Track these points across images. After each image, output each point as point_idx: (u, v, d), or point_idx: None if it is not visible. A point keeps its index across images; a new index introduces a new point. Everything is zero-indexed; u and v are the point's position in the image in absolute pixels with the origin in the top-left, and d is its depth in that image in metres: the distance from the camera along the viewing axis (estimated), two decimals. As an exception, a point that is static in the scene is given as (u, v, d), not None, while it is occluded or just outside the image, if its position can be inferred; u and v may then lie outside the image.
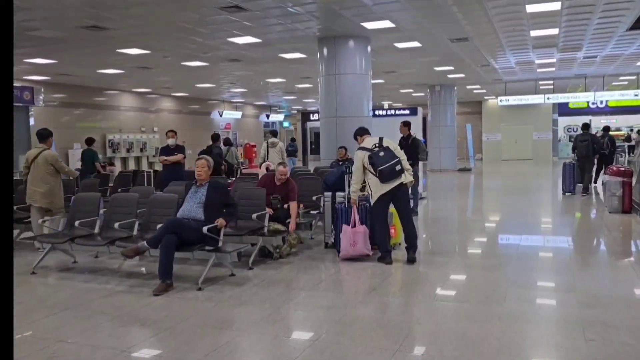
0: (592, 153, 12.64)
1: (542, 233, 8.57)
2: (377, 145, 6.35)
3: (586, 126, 13.47)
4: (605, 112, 29.53)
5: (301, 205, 7.26)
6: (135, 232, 6.05)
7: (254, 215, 6.17)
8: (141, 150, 21.68)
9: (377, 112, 12.94)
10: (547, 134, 29.49)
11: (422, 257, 6.58)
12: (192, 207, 5.61)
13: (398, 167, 6.18)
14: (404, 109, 12.73)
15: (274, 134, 13.22)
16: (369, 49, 11.67)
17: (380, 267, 6.07)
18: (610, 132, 15.08)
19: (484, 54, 14.24)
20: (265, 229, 6.33)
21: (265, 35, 11.04)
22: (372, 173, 6.17)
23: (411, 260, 6.27)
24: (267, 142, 12.66)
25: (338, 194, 7.00)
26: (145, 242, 5.35)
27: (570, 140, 31.81)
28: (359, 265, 6.20)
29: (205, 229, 5.31)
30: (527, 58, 15.53)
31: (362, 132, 6.74)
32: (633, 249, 7.48)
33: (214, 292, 5.20)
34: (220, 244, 5.52)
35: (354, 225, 6.40)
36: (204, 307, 4.79)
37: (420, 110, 12.62)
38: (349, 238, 6.33)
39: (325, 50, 11.50)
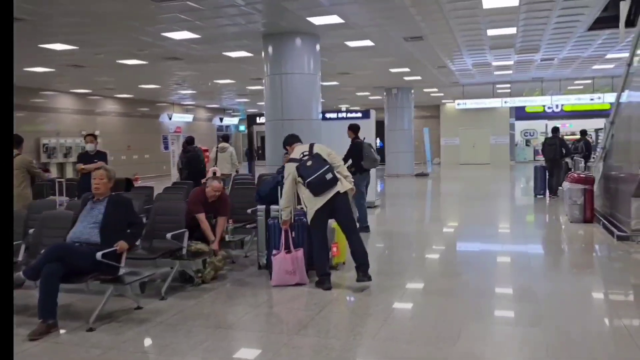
0: (559, 156, 12.57)
1: (501, 247, 7.87)
2: (305, 153, 5.51)
3: (555, 130, 13.26)
4: (560, 116, 29.63)
5: (230, 221, 6.33)
6: (20, 258, 4.99)
7: (169, 235, 5.19)
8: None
9: (327, 115, 12.13)
10: (504, 137, 29.39)
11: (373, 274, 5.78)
12: (86, 228, 4.59)
13: (329, 176, 5.33)
14: (356, 111, 11.93)
15: (225, 138, 12.46)
16: (317, 47, 10.85)
17: (318, 295, 5.19)
18: (565, 137, 14.94)
19: (440, 54, 13.63)
20: (185, 250, 5.37)
21: (204, 30, 10.07)
22: (304, 186, 5.31)
23: (361, 281, 5.41)
24: (217, 147, 11.94)
25: (272, 207, 6.11)
26: (22, 272, 4.32)
27: (526, 144, 31.96)
28: (292, 292, 5.31)
29: (99, 254, 4.32)
30: (484, 59, 15.02)
31: (291, 140, 5.95)
32: (599, 267, 6.84)
33: (108, 333, 4.21)
34: (121, 271, 4.54)
35: (288, 249, 5.51)
36: (90, 356, 3.81)
37: (373, 113, 11.85)
38: (281, 265, 5.44)
39: (270, 48, 10.61)
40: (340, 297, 5.20)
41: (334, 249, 5.99)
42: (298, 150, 5.58)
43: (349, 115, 12.08)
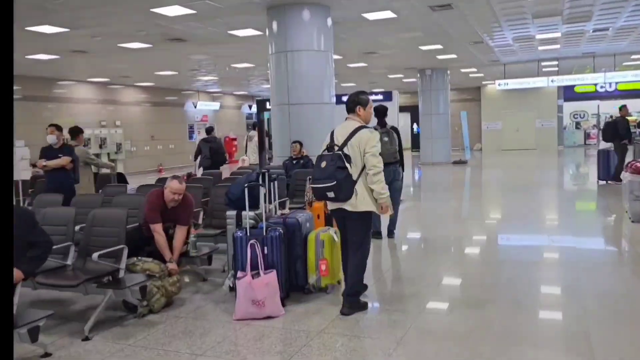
0: (615, 139, 11.49)
1: (545, 258, 6.38)
2: (328, 146, 4.45)
3: (621, 109, 12.11)
4: (614, 96, 27.16)
5: (192, 231, 5.11)
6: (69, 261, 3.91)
7: (95, 255, 4.01)
8: (100, 147, 19.53)
9: (345, 99, 10.76)
10: (551, 121, 27.16)
11: (373, 301, 4.50)
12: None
13: (331, 194, 4.26)
14: (377, 93, 10.55)
15: (254, 126, 12.00)
16: (329, 20, 9.48)
17: (293, 332, 3.92)
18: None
19: (475, 27, 11.98)
20: (122, 273, 4.18)
21: (197, 4, 8.86)
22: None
23: (342, 313, 4.23)
24: (247, 136, 11.13)
25: (244, 213, 4.84)
26: None
27: (576, 127, 29.58)
28: (260, 328, 4.05)
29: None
30: (527, 32, 13.25)
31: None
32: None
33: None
34: (14, 309, 3.39)
35: (256, 271, 4.25)
36: None
37: (396, 94, 10.45)
38: (246, 292, 4.18)
39: (274, 23, 9.32)
40: (326, 336, 3.91)
41: (322, 267, 4.69)
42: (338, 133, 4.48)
43: (371, 97, 10.62)
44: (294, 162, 8.99)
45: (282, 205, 5.80)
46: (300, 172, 8.21)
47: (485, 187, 14.36)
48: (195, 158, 12.07)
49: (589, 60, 18.97)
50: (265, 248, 4.42)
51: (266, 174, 5.08)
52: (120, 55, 13.55)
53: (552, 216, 9.14)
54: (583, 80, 19.53)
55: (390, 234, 7.24)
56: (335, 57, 15.83)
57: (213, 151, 11.62)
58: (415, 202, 11.44)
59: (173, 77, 19.24)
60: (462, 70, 20.92)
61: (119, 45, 12.25)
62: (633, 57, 19.00)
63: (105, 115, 20.42)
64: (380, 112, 7.17)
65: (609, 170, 11.79)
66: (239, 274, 4.35)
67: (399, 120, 10.54)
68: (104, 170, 9.62)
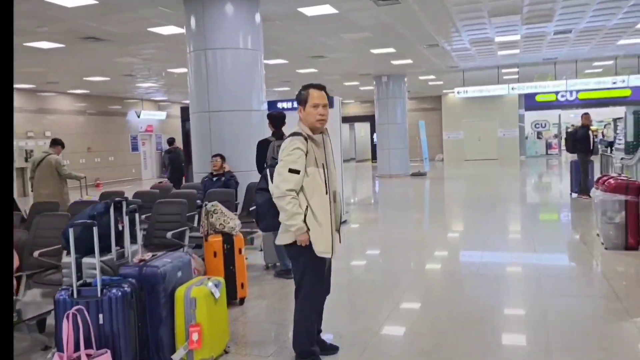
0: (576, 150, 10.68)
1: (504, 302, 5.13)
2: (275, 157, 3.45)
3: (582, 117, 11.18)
4: (575, 105, 26.58)
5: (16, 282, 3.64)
6: None
7: None
8: (26, 159, 17.67)
9: (281, 105, 9.44)
10: (513, 130, 26.46)
11: None
12: None
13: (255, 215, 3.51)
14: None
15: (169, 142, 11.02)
16: (257, 15, 8.16)
17: None
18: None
19: (427, 26, 10.84)
20: None
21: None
22: None
23: None
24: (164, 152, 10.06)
25: (86, 261, 3.41)
26: None
27: (538, 137, 29.01)
28: None
29: None
30: (485, 34, 12.20)
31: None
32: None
33: None
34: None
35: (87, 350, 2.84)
36: None
37: (337, 101, 9.12)
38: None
39: (192, 17, 7.95)
40: None
41: (193, 336, 3.29)
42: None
43: (307, 104, 9.33)
44: (214, 179, 7.57)
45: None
46: (215, 192, 6.81)
47: (443, 203, 13.18)
48: (164, 171, 12.62)
49: (550, 68, 18.20)
50: (101, 316, 3.00)
51: (123, 203, 3.65)
52: (31, 56, 11.91)
53: (516, 244, 7.94)
54: (544, 88, 18.72)
55: None
56: (281, 61, 14.63)
57: (172, 164, 11.83)
58: (360, 222, 10.15)
59: (107, 84, 17.58)
60: (421, 77, 19.91)
61: (24, 44, 10.65)
62: (595, 64, 18.31)
63: (32, 126, 18.57)
64: (277, 120, 5.85)
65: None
66: (56, 357, 2.92)
67: (341, 131, 9.19)
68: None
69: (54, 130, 19.09)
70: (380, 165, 19.32)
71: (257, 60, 8.20)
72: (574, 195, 11.12)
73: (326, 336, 3.73)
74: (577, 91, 24.92)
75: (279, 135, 5.68)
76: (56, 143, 8.47)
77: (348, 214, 9.52)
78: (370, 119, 26.19)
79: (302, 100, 3.36)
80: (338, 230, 3.48)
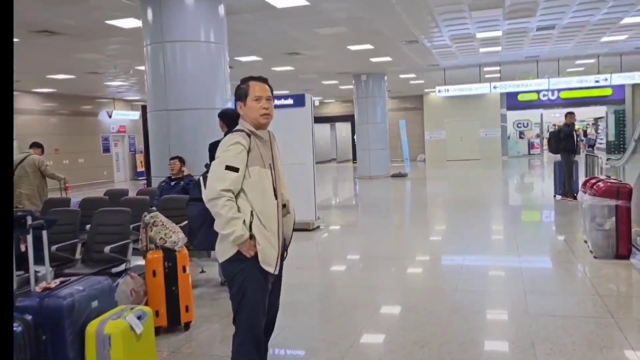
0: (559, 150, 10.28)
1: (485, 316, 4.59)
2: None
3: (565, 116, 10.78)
4: (557, 104, 26.50)
5: None
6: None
7: None
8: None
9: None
10: (495, 130, 26.13)
11: None
12: None
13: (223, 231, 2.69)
14: (286, 97, 8.68)
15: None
16: (221, 8, 7.57)
17: None
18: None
19: (405, 20, 10.30)
20: None
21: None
22: None
23: None
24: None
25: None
26: None
27: (520, 137, 28.75)
28: None
29: None
30: (465, 30, 11.71)
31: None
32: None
33: None
34: None
35: None
36: None
37: (309, 98, 8.53)
38: None
39: (149, 8, 7.32)
40: None
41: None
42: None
43: (277, 102, 8.72)
44: (172, 183, 6.92)
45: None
46: (170, 198, 6.18)
47: (423, 207, 12.65)
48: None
49: (532, 66, 17.80)
50: None
51: (28, 218, 3.02)
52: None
53: (500, 252, 7.42)
54: (527, 87, 18.33)
55: None
56: (254, 58, 14.00)
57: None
58: (335, 227, 9.58)
59: (74, 83, 16.76)
60: (401, 76, 19.40)
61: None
62: (577, 62, 17.97)
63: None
64: (231, 119, 5.22)
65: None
66: None
67: (313, 131, 8.61)
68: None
69: (18, 131, 18.17)
70: (360, 167, 18.78)
71: (221, 55, 7.59)
72: (558, 197, 10.69)
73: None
74: (559, 90, 24.78)
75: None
76: (37, 145, 8.68)
77: (321, 220, 8.93)
78: (351, 118, 25.58)
79: (241, 94, 2.83)
80: (286, 247, 2.92)
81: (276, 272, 2.74)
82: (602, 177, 6.68)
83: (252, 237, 2.62)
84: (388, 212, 11.45)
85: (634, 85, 24.92)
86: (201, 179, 2.78)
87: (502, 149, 26.19)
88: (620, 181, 5.98)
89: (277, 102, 8.69)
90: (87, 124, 21.41)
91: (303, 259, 6.61)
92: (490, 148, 25.88)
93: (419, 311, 4.56)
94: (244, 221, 2.60)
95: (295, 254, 6.84)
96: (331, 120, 30.59)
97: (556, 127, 14.12)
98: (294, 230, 2.99)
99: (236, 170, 2.61)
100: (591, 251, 6.07)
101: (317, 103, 28.82)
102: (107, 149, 22.30)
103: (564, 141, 10.17)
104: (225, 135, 5.04)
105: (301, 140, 8.55)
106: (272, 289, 2.86)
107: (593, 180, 6.31)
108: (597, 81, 17.13)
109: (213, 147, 5.21)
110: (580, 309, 4.44)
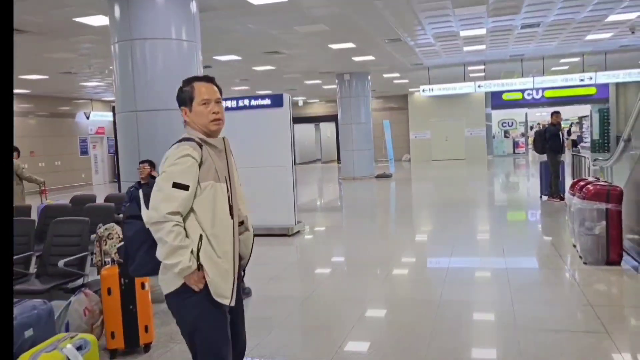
0: (546, 150, 10.08)
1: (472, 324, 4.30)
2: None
3: (551, 115, 10.53)
4: (542, 103, 26.46)
5: None
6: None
7: None
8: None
9: (224, 103, 8.46)
10: (480, 129, 25.99)
11: None
12: None
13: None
14: (263, 97, 8.34)
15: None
16: (193, 4, 7.20)
17: None
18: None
19: (387, 17, 10.00)
20: None
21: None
22: None
23: None
24: None
25: None
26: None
27: (505, 136, 28.66)
28: None
29: None
30: (449, 28, 11.45)
31: None
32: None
33: None
34: None
35: None
36: None
37: (286, 98, 8.19)
38: None
39: (116, 4, 6.92)
40: None
41: None
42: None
43: (254, 102, 8.37)
44: (141, 189, 6.52)
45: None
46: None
47: (407, 209, 12.37)
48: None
49: (517, 65, 17.64)
50: None
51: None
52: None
53: (486, 256, 7.14)
54: (511, 86, 18.15)
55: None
56: (234, 57, 13.61)
57: None
58: (316, 231, 9.26)
59: (48, 83, 16.24)
60: (385, 75, 19.13)
61: None
62: (562, 61, 17.83)
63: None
64: None
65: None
66: None
67: (292, 132, 8.27)
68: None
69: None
70: (343, 167, 18.47)
71: (194, 53, 7.21)
72: (544, 197, 10.48)
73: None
74: (544, 89, 24.71)
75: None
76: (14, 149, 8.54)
77: (301, 224, 8.60)
78: (336, 118, 25.23)
79: (185, 99, 2.43)
80: (243, 267, 2.58)
81: (232, 304, 2.37)
82: (591, 178, 6.42)
83: (200, 266, 2.26)
84: (371, 214, 11.15)
85: (618, 84, 24.96)
86: (140, 193, 2.40)
87: (487, 149, 26.07)
88: (610, 183, 5.72)
89: (254, 102, 8.37)
90: (64, 126, 20.85)
91: (280, 268, 6.27)
92: (476, 147, 25.75)
93: (402, 325, 4.26)
94: (192, 250, 2.24)
95: (272, 262, 6.55)
96: (315, 120, 30.28)
97: (541, 127, 13.95)
98: (253, 242, 2.62)
99: (186, 188, 2.24)
100: (580, 256, 5.81)
101: (300, 103, 28.48)
102: (85, 151, 21.76)
103: (549, 141, 9.95)
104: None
105: (280, 142, 8.22)
106: (233, 318, 2.49)
107: (582, 182, 6.05)
108: (581, 80, 17.00)
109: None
110: (571, 322, 4.16)
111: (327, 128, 30.39)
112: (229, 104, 8.42)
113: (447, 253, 6.65)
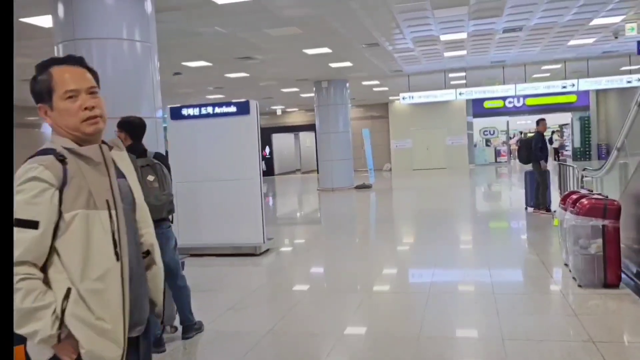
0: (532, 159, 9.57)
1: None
2: None
3: (536, 123, 10.03)
4: (523, 111, 26.21)
5: None
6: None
7: None
8: None
9: (185, 112, 7.73)
10: (461, 138, 25.60)
11: None
12: None
13: None
14: (228, 104, 7.67)
15: None
16: (148, 1, 6.54)
17: None
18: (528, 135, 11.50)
19: (362, 19, 9.44)
20: None
21: None
22: None
23: None
24: None
25: None
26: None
27: (486, 145, 28.33)
28: None
29: None
30: (428, 31, 10.93)
31: None
32: None
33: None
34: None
35: None
36: None
37: (253, 105, 7.53)
38: None
39: (59, 0, 6.25)
40: None
41: None
42: None
43: (218, 110, 7.69)
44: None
45: None
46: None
47: (386, 223, 11.74)
48: None
49: (498, 72, 17.25)
50: None
51: None
52: None
53: (470, 277, 6.53)
54: (493, 93, 17.77)
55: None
56: (204, 64, 12.94)
57: None
58: (287, 249, 8.60)
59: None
60: (364, 82, 18.61)
61: None
62: (543, 67, 17.48)
63: None
64: (134, 129, 4.27)
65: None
66: None
67: (260, 142, 7.61)
68: None
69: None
70: (322, 178, 17.82)
71: (149, 56, 6.53)
72: (530, 209, 9.97)
73: None
74: (525, 97, 24.45)
75: (137, 151, 4.06)
76: None
77: (271, 241, 7.92)
78: (315, 128, 24.87)
79: (42, 92, 1.73)
80: (160, 314, 1.92)
81: None
82: (583, 191, 5.87)
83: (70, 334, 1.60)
84: (348, 229, 10.49)
85: (598, 92, 24.81)
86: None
87: (468, 157, 25.68)
88: (607, 197, 5.16)
89: (218, 109, 7.70)
90: (29, 137, 19.90)
91: (241, 295, 5.57)
92: (457, 156, 25.34)
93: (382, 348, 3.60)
94: (55, 309, 1.58)
95: (232, 288, 5.85)
96: (295, 129, 29.68)
97: (524, 135, 13.49)
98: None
99: (34, 225, 1.58)
100: (574, 278, 5.24)
101: (279, 112, 27.86)
102: (53, 163, 20.81)
103: (536, 150, 9.45)
104: (128, 149, 4.03)
105: (246, 153, 7.55)
106: None
107: (574, 196, 5.48)
108: (564, 87, 16.65)
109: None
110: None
111: (307, 138, 29.80)
112: (190, 111, 7.73)
113: (428, 276, 6.03)
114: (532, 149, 9.55)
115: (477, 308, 4.86)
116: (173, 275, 4.11)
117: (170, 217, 4.06)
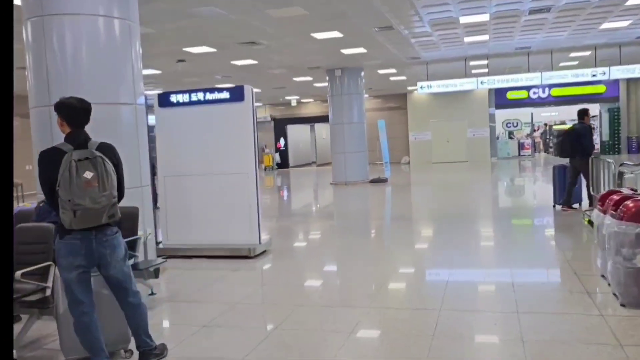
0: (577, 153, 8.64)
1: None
2: None
3: (581, 114, 8.99)
4: (548, 102, 25.03)
5: None
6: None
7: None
8: None
9: (174, 99, 7.00)
10: (483, 130, 24.52)
11: None
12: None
13: None
14: (220, 89, 6.95)
15: None
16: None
17: None
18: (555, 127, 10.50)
19: (375, 2, 8.60)
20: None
21: None
22: None
23: None
24: None
25: None
26: None
27: (509, 137, 27.20)
28: None
29: None
30: (447, 13, 10.04)
31: None
32: None
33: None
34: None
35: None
36: None
37: (248, 90, 6.77)
38: None
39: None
40: None
41: None
42: None
43: (209, 96, 6.94)
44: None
45: None
46: (31, 227, 4.40)
47: (400, 222, 10.87)
48: None
49: (523, 59, 16.22)
50: None
51: None
52: None
53: (494, 293, 5.69)
54: (517, 82, 16.70)
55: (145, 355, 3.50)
56: (207, 50, 12.20)
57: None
58: (277, 257, 7.85)
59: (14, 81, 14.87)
60: (380, 71, 17.70)
61: None
62: (571, 55, 16.37)
63: None
64: (75, 115, 3.53)
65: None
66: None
67: (256, 131, 6.85)
68: None
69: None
70: (335, 171, 17.02)
71: (129, 34, 5.84)
72: (558, 207, 9.08)
73: None
74: (550, 87, 23.27)
75: (77, 142, 3.33)
76: None
77: (268, 242, 7.17)
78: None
79: None
80: None
81: None
82: (626, 190, 4.98)
83: None
84: (358, 228, 9.65)
85: (629, 82, 23.51)
86: None
87: (490, 150, 24.62)
88: (658, 199, 4.28)
89: (209, 95, 6.97)
90: (28, 127, 19.46)
91: (220, 308, 4.81)
92: (479, 149, 24.30)
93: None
94: None
95: (212, 298, 5.07)
96: (310, 120, 28.92)
97: (569, 127, 12.47)
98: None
99: None
100: (615, 294, 4.40)
101: (294, 103, 27.09)
102: (61, 154, 20.37)
103: (581, 143, 8.52)
104: (66, 138, 3.30)
105: (240, 144, 6.81)
106: None
107: (615, 196, 4.61)
108: (594, 75, 15.55)
109: (47, 159, 3.44)
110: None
111: (323, 129, 28.99)
112: (179, 98, 7.00)
113: (440, 289, 5.23)
114: (582, 143, 8.56)
115: (498, 330, 4.04)
116: (123, 291, 3.39)
117: (112, 222, 3.29)
